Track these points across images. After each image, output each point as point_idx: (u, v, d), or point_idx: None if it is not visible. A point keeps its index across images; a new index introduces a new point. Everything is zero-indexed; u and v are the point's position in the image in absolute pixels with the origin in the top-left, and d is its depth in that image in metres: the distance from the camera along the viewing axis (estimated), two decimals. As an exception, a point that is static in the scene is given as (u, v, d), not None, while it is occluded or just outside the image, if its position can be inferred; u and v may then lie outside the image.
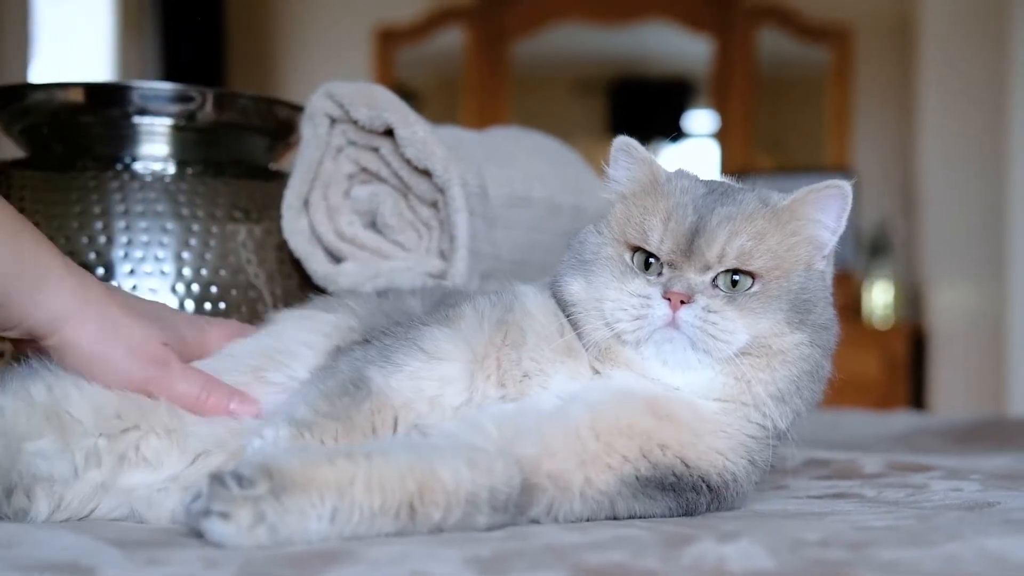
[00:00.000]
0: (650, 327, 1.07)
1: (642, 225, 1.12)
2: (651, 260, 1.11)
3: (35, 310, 1.11)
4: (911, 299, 5.88)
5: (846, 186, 1.11)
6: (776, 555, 0.84)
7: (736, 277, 1.09)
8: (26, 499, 1.06)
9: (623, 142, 1.18)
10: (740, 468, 1.10)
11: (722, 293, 1.08)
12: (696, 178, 1.18)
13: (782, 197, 1.14)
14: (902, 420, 2.70)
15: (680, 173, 1.19)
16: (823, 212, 1.12)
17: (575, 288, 1.14)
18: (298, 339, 1.21)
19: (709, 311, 1.06)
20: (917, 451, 1.90)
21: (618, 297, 1.10)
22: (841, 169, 5.89)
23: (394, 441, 1.04)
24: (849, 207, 1.12)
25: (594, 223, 1.19)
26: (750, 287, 1.09)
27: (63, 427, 1.08)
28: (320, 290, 1.52)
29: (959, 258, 5.54)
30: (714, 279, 1.09)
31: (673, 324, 1.07)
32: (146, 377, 1.14)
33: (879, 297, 5.80)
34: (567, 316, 1.13)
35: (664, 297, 1.07)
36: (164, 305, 1.28)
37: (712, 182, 1.18)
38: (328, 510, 0.89)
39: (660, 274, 1.10)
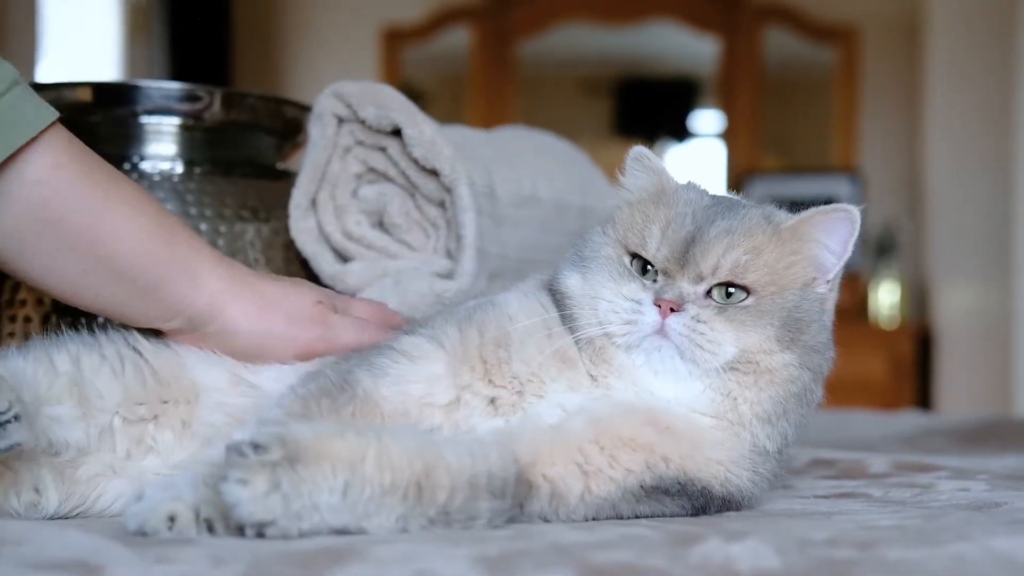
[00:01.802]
0: (640, 333, 1.07)
1: (642, 232, 1.12)
2: (648, 267, 1.11)
3: (194, 295, 1.15)
4: (917, 299, 5.87)
5: (855, 211, 1.10)
6: (784, 554, 0.84)
7: (732, 291, 1.09)
8: (35, 493, 1.07)
9: (637, 151, 1.19)
10: (744, 480, 1.10)
11: (714, 304, 1.08)
12: (704, 191, 1.18)
13: (788, 217, 1.13)
14: (908, 420, 2.70)
15: (689, 186, 1.19)
16: (828, 235, 1.11)
17: (572, 283, 1.14)
18: None
19: (698, 320, 1.06)
20: (923, 451, 1.90)
21: (612, 298, 1.10)
22: (848, 169, 5.88)
23: (400, 426, 1.04)
24: (856, 233, 1.11)
25: (601, 224, 1.20)
26: (743, 300, 1.08)
27: (84, 398, 1.12)
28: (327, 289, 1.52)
29: (966, 258, 5.54)
30: (708, 291, 1.09)
31: (662, 332, 1.07)
32: (311, 338, 1.19)
33: (885, 297, 5.79)
34: (563, 311, 1.13)
35: (655, 304, 1.07)
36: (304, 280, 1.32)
37: (720, 197, 1.18)
38: (340, 484, 0.90)
39: (655, 281, 1.10)
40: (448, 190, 1.50)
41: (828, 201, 1.14)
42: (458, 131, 1.63)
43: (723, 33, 6.30)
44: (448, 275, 1.50)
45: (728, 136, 6.40)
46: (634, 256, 1.13)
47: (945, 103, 5.66)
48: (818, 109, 6.48)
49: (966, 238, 5.52)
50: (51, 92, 1.60)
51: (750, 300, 1.08)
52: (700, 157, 6.73)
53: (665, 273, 1.10)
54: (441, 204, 1.52)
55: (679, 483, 1.06)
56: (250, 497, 0.87)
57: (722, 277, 1.08)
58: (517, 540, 0.89)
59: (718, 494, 1.08)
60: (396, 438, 0.94)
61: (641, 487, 1.04)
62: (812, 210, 1.12)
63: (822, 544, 0.88)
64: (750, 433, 1.10)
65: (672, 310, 1.06)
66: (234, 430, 1.12)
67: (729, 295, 1.08)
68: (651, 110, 6.74)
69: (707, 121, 6.84)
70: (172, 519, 0.90)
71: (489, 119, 5.63)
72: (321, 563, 0.79)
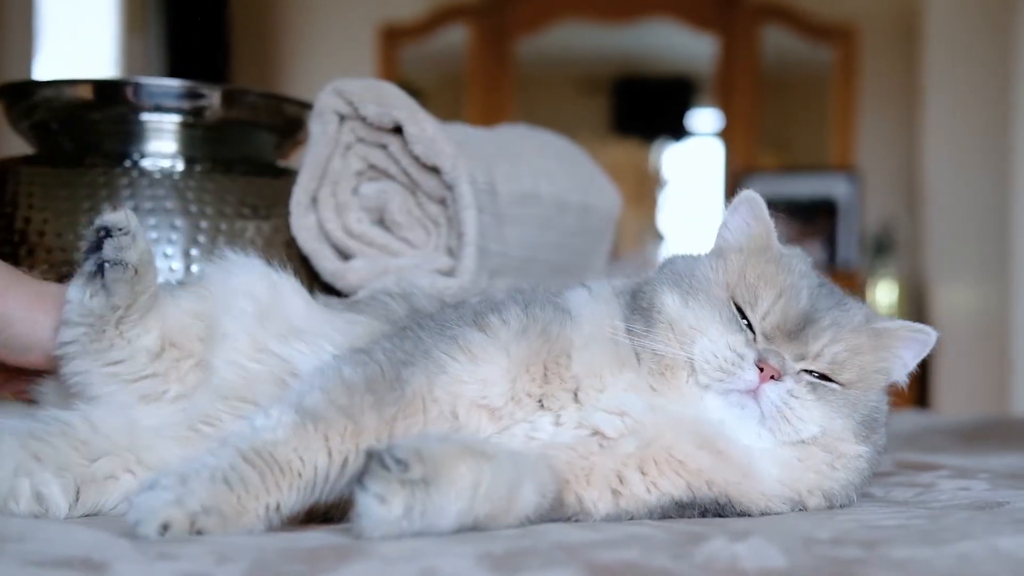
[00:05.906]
0: (732, 386, 1.07)
1: (754, 290, 1.12)
2: (748, 325, 1.11)
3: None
4: (915, 298, 5.87)
5: (933, 335, 1.15)
6: (789, 553, 0.83)
7: (825, 383, 1.11)
8: (36, 504, 1.06)
9: (751, 197, 1.19)
10: (784, 510, 1.11)
11: (806, 379, 1.09)
12: (808, 262, 1.19)
13: (882, 320, 1.17)
14: (908, 419, 2.70)
15: (796, 254, 1.19)
16: (908, 350, 1.16)
17: (670, 303, 1.12)
18: (329, 324, 1.21)
19: (793, 395, 1.07)
20: (924, 450, 1.90)
21: (716, 339, 1.09)
22: (846, 168, 5.88)
23: (497, 443, 1.03)
24: (926, 354, 1.17)
25: (709, 257, 1.18)
26: (833, 385, 1.11)
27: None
28: (328, 287, 1.52)
29: (963, 257, 5.54)
30: (805, 372, 1.10)
31: (754, 393, 1.07)
32: None
33: (883, 296, 5.79)
34: (642, 324, 1.11)
35: (757, 365, 1.07)
36: None
37: (823, 278, 1.19)
38: (457, 510, 0.91)
39: (756, 341, 1.10)
40: (449, 188, 1.49)
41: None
42: (459, 129, 1.63)
43: (721, 32, 6.31)
44: (449, 273, 1.50)
45: (726, 134, 6.40)
46: (738, 308, 1.12)
47: (943, 101, 5.67)
48: (816, 108, 6.49)
49: (964, 237, 5.53)
50: (51, 89, 1.60)
51: (839, 388, 1.11)
52: (698, 155, 6.74)
53: (767, 338, 1.10)
54: (442, 202, 1.52)
55: (718, 503, 1.06)
56: (383, 516, 0.87)
57: (822, 366, 1.10)
58: (523, 538, 0.89)
59: (756, 515, 1.09)
60: (500, 466, 0.95)
61: (673, 501, 1.05)
62: (900, 323, 1.17)
63: (827, 543, 0.88)
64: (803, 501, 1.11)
65: (772, 377, 1.07)
66: (235, 424, 1.11)
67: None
68: (649, 108, 6.74)
69: (705, 119, 6.84)
70: (166, 527, 0.88)
71: (487, 117, 5.62)
72: (327, 560, 0.79)
